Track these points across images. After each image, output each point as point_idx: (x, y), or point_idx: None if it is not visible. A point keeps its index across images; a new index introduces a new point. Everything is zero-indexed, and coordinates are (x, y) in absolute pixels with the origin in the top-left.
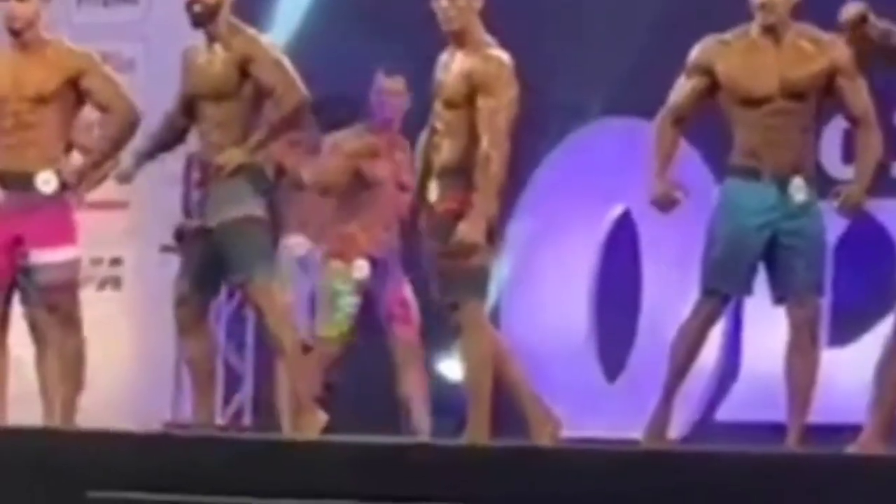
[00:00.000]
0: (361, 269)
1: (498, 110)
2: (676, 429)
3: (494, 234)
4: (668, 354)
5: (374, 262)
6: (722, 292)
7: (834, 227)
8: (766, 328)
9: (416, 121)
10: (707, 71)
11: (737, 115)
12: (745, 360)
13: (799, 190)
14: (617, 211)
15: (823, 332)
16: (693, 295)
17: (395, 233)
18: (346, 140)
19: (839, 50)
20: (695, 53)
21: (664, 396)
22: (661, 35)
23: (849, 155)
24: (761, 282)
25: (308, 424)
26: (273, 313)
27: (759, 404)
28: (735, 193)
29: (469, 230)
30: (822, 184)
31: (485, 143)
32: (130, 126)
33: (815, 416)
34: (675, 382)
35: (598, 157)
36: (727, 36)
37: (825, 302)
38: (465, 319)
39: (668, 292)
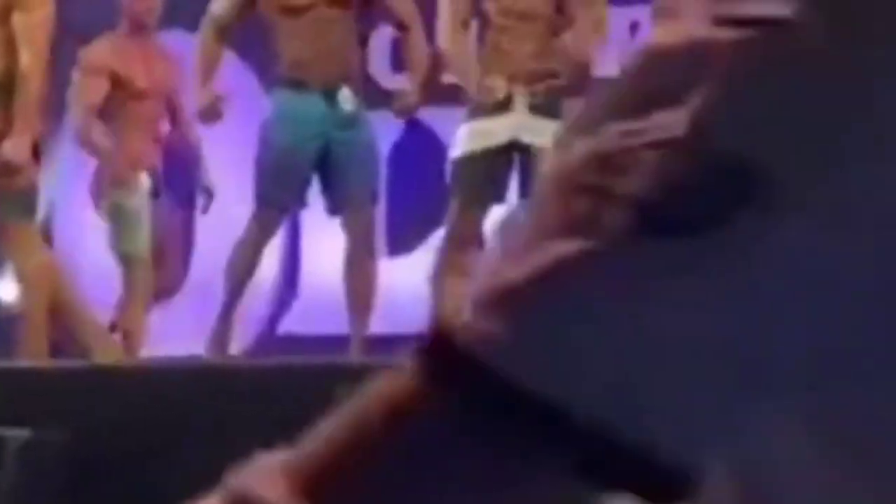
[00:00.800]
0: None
1: (36, 26)
2: (239, 343)
3: (40, 153)
4: (225, 270)
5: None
6: (276, 204)
7: (387, 135)
8: (324, 239)
9: None
10: None
11: (280, 25)
12: (304, 271)
13: (347, 100)
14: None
15: (381, 242)
16: (250, 208)
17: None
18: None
19: None
20: None
21: (223, 311)
22: None
23: (398, 64)
24: (318, 193)
25: None
26: None
27: (320, 316)
28: (284, 105)
29: (12, 149)
30: (373, 93)
31: (24, 59)
32: None
33: (377, 326)
34: (234, 296)
35: None
36: None
37: (381, 211)
38: (14, 242)
39: (225, 206)
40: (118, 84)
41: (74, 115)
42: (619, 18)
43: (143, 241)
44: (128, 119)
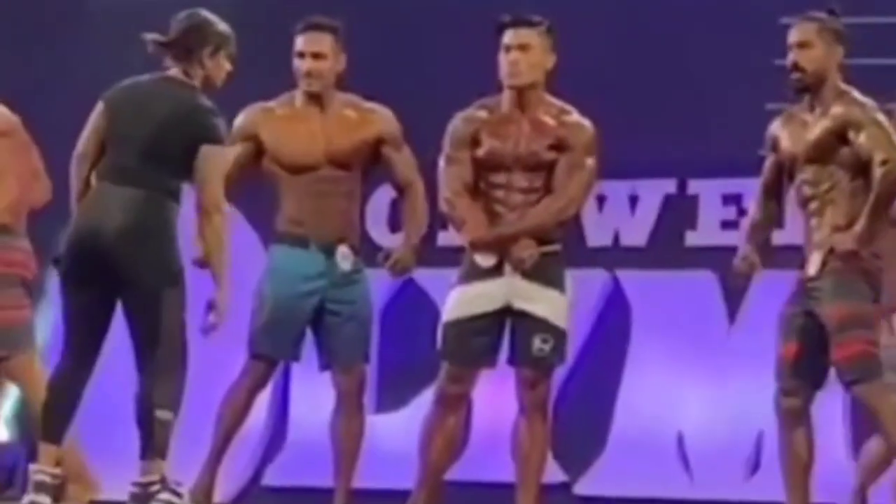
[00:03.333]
0: None
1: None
2: (223, 493)
3: (32, 289)
4: (214, 418)
5: None
6: (269, 357)
7: (381, 293)
8: (314, 393)
9: None
10: (251, 137)
11: (282, 182)
12: (292, 424)
13: (345, 259)
14: None
15: (371, 398)
16: (243, 358)
17: None
18: None
19: (384, 120)
20: (239, 121)
21: (210, 459)
22: None
23: (395, 224)
24: (311, 348)
25: None
26: None
27: (305, 469)
28: (282, 259)
29: None
30: (370, 251)
31: None
32: None
33: (362, 480)
34: (221, 446)
35: None
36: (271, 104)
37: (372, 368)
38: (15, 372)
39: (217, 356)
40: None
41: None
42: (618, 191)
43: None
44: None
